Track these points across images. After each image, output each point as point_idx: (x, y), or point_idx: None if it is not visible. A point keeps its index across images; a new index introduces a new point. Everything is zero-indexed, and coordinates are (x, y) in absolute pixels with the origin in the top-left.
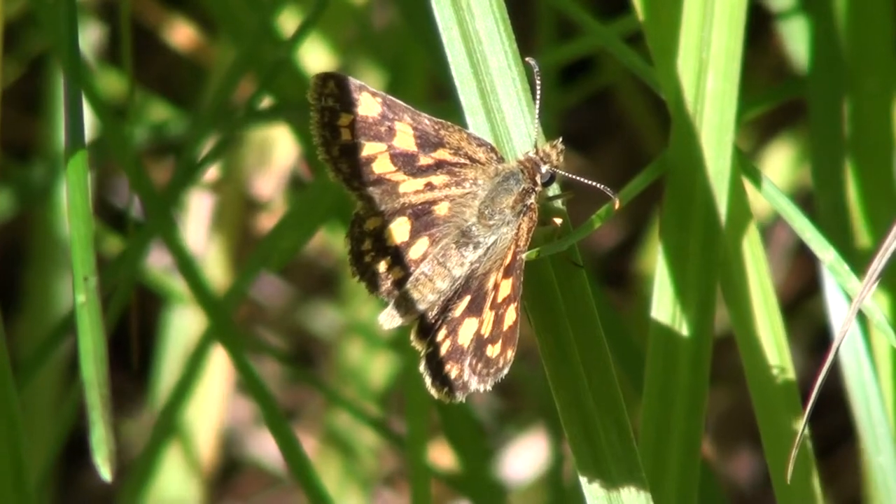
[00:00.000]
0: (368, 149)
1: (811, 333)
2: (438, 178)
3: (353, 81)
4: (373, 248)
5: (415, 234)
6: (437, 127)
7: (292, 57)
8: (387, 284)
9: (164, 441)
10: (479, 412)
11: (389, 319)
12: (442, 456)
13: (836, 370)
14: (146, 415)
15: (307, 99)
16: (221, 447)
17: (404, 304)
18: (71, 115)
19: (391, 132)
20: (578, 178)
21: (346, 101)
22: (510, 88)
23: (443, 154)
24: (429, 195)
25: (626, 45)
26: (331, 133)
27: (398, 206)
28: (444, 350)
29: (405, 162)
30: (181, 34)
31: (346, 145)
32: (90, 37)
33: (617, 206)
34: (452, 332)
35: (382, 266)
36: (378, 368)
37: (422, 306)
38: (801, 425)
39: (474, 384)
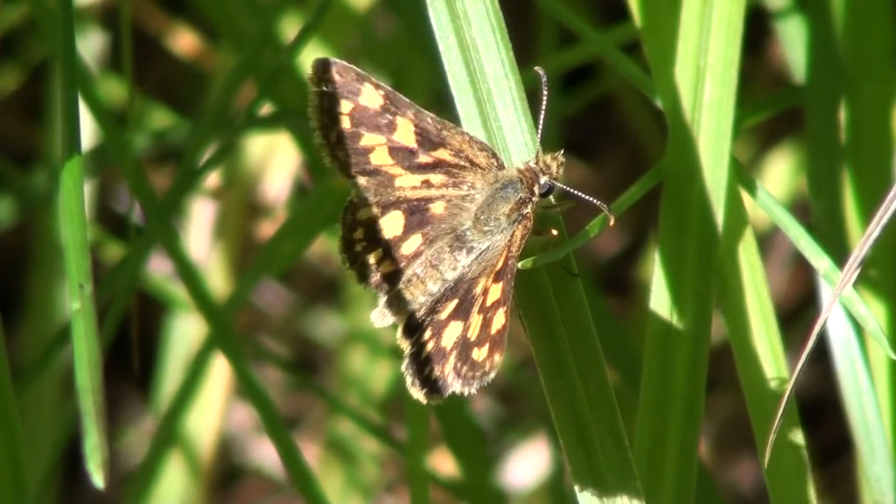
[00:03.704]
0: (367, 139)
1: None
2: (437, 178)
3: (356, 71)
4: (364, 238)
5: (408, 230)
6: (439, 127)
7: (293, 64)
8: (376, 277)
9: (165, 448)
10: (481, 419)
11: (381, 318)
12: (444, 463)
13: (833, 381)
14: (147, 422)
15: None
16: (223, 454)
17: (396, 303)
18: (66, 121)
19: (391, 126)
20: (575, 191)
21: (346, 89)
22: (507, 97)
23: (443, 154)
24: (425, 192)
25: (624, 53)
26: (329, 119)
27: (393, 199)
28: (427, 350)
29: (404, 157)
30: (182, 41)
31: (345, 133)
32: (92, 43)
33: (612, 222)
34: (437, 334)
35: (373, 258)
36: (380, 375)
37: (413, 307)
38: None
39: (457, 387)
